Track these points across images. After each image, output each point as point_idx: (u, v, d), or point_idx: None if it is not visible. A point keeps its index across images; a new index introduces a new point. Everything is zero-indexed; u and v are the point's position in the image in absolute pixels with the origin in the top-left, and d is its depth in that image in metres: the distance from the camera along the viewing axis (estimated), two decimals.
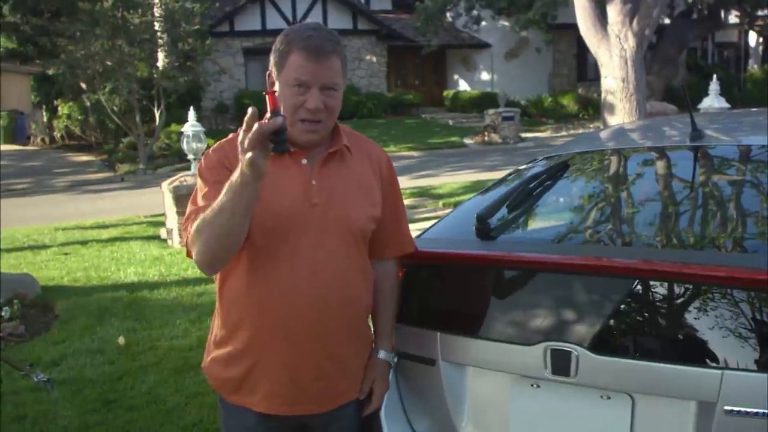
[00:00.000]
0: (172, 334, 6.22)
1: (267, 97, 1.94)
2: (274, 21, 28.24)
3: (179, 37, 22.33)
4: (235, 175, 1.99)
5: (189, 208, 2.23)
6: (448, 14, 29.07)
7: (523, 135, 25.20)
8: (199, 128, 10.83)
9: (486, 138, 24.46)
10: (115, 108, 21.62)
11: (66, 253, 10.33)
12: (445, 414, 2.37)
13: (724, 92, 11.56)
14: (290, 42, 2.19)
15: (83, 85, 22.09)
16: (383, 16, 30.53)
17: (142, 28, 21.30)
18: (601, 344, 2.07)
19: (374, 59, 29.68)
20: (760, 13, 32.04)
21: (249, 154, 1.91)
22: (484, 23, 28.77)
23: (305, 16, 28.51)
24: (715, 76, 12.08)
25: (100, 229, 12.44)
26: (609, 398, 2.08)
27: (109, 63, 20.85)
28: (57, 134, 26.90)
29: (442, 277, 2.48)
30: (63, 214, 14.15)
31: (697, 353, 1.97)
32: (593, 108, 27.59)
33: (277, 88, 2.21)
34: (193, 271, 8.57)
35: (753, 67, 34.38)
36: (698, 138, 2.76)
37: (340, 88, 2.24)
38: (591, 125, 26.35)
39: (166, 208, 10.99)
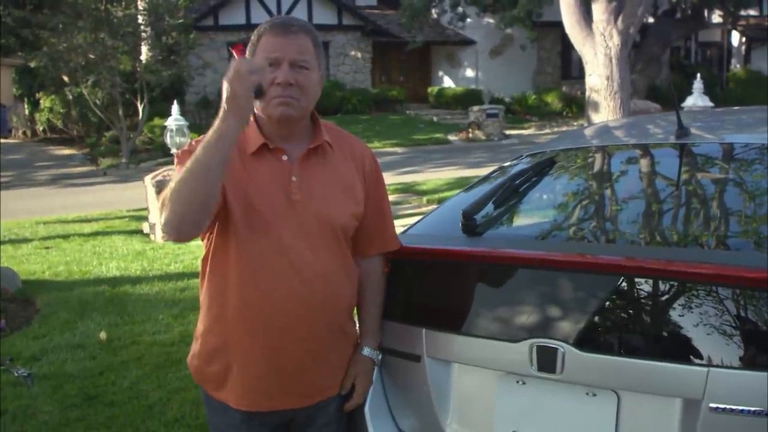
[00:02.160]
0: (154, 329, 6.18)
1: (233, 51, 2.11)
2: (258, 16, 28.12)
3: (163, 31, 22.22)
4: (211, 131, 2.04)
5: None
6: (433, 11, 29.09)
7: (508, 132, 25.25)
8: (183, 122, 10.79)
9: (470, 135, 24.49)
10: (98, 101, 21.50)
11: (47, 247, 10.25)
12: (430, 410, 2.37)
13: (707, 91, 11.61)
14: (261, 30, 2.28)
15: (65, 78, 21.94)
16: (368, 11, 30.49)
17: (125, 21, 21.17)
18: (587, 341, 2.07)
19: (359, 55, 29.63)
20: (742, 13, 32.26)
21: (227, 86, 2.03)
22: (469, 20, 28.77)
23: (290, 10, 28.40)
24: (699, 75, 12.14)
25: (82, 223, 12.35)
26: (594, 395, 2.08)
27: (91, 56, 20.70)
28: (39, 127, 26.69)
29: (427, 273, 2.47)
30: (45, 208, 14.05)
31: (682, 350, 1.97)
32: (577, 106, 27.68)
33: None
34: (176, 266, 8.53)
35: (735, 66, 34.57)
36: (684, 135, 2.77)
37: (313, 68, 2.25)
38: (575, 123, 26.43)
39: (148, 203, 10.93)
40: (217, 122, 2.04)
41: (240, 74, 2.03)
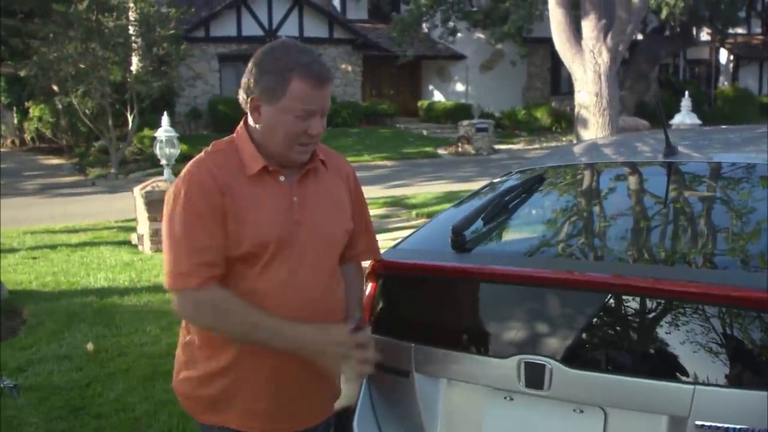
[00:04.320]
0: (141, 341, 6.16)
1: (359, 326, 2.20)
2: (249, 28, 28.18)
3: (154, 42, 22.18)
4: (293, 336, 2.13)
5: (184, 234, 2.14)
6: (424, 25, 29.22)
7: (497, 147, 25.32)
8: (173, 133, 10.77)
9: (460, 149, 24.55)
10: (87, 111, 21.43)
11: (35, 258, 10.21)
12: (418, 426, 2.37)
13: (695, 109, 11.68)
14: (290, 68, 2.13)
15: (55, 88, 21.86)
16: (359, 25, 30.58)
17: (116, 31, 21.13)
18: (574, 358, 2.09)
19: (350, 68, 29.70)
20: (731, 31, 32.53)
21: (331, 349, 2.14)
22: (459, 35, 28.92)
23: (281, 23, 28.47)
24: (687, 92, 12.21)
25: (70, 234, 12.30)
26: (582, 412, 2.09)
27: (82, 66, 20.65)
28: (27, 136, 26.56)
29: (416, 289, 2.48)
30: (32, 218, 13.99)
31: (669, 368, 1.98)
32: (566, 121, 27.81)
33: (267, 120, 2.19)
34: (164, 278, 8.50)
35: (723, 84, 34.83)
36: (672, 154, 2.79)
37: None
38: (564, 138, 26.54)
39: (137, 214, 10.90)
40: (293, 338, 2.14)
41: (345, 351, 2.14)
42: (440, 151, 24.89)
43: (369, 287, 2.55)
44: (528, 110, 30.25)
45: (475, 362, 2.23)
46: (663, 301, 2.03)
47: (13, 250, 10.74)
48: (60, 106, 22.47)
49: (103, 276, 8.82)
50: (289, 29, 28.57)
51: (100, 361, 5.75)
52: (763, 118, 29.80)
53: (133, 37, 22.03)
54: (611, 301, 2.10)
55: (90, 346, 6.02)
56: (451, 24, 28.06)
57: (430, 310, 2.46)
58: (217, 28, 27.99)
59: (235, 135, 2.27)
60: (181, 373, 2.33)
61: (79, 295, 7.88)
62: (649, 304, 2.05)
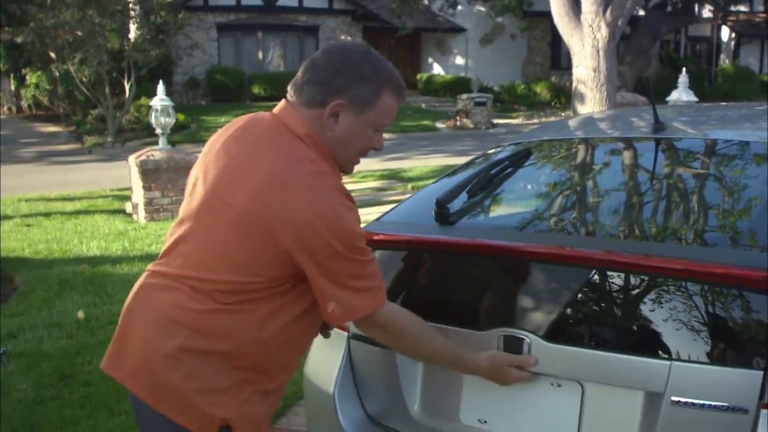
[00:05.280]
0: None
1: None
2: None
3: (152, 10, 22.03)
4: (472, 361, 2.14)
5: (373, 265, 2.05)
6: None
7: (495, 121, 25.26)
8: (168, 102, 10.70)
9: (458, 123, 24.49)
10: (84, 79, 21.32)
11: (28, 225, 10.20)
12: (398, 396, 2.38)
13: (695, 86, 11.66)
14: (385, 80, 2.05)
15: (52, 55, 21.73)
16: None
17: None
18: (553, 332, 2.09)
19: (349, 39, 29.53)
20: (732, 8, 32.36)
21: (507, 378, 2.14)
22: (460, 7, 28.76)
23: None
24: (684, 69, 12.16)
25: (64, 202, 12.29)
26: (559, 386, 2.10)
27: (79, 33, 20.51)
28: (24, 104, 26.48)
29: (397, 261, 2.47)
30: (28, 185, 13.97)
31: (646, 344, 1.99)
32: (566, 96, 27.72)
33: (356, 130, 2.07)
34: (157, 247, 8.50)
35: (724, 61, 34.71)
36: (660, 130, 2.77)
37: None
38: (563, 113, 26.47)
39: (132, 183, 10.88)
40: (469, 365, 2.16)
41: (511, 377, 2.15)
42: (438, 124, 24.82)
43: None
44: (527, 85, 30.15)
45: (454, 335, 2.23)
46: (644, 278, 2.03)
47: (7, 218, 10.73)
48: (57, 74, 22.36)
49: (96, 244, 8.81)
50: (289, 0, 28.39)
51: (90, 329, 5.76)
52: (763, 96, 29.75)
53: (130, 5, 21.88)
54: (594, 276, 2.10)
55: (80, 314, 6.03)
56: None
57: (411, 282, 2.46)
58: None
59: (307, 142, 2.03)
60: (269, 407, 2.14)
61: (71, 263, 7.89)
62: (629, 280, 2.05)
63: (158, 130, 10.81)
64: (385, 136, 15.38)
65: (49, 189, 13.62)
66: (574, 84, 12.51)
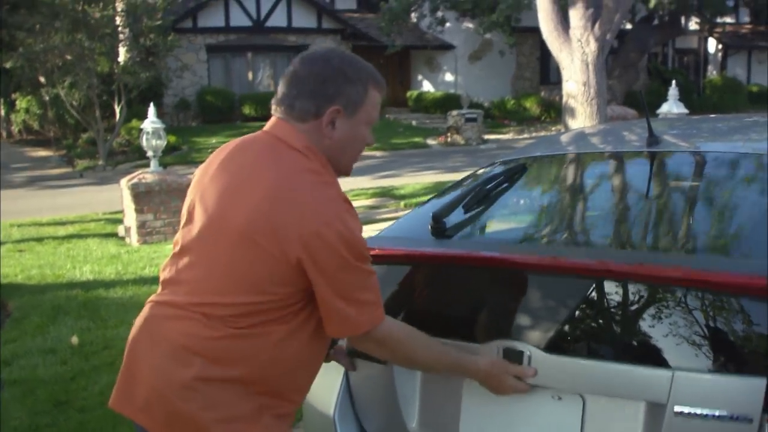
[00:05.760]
0: (127, 334, 5.96)
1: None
2: (238, 18, 28.06)
3: (141, 33, 22.06)
4: (473, 364, 2.12)
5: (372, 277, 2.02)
6: (412, 15, 29.13)
7: (486, 137, 25.32)
8: (159, 125, 10.70)
9: (449, 139, 24.54)
10: (75, 103, 21.32)
11: (21, 250, 10.15)
12: (396, 413, 2.36)
13: (683, 98, 11.70)
14: (368, 76, 2.09)
15: (42, 79, 21.74)
16: (348, 15, 30.49)
17: (103, 22, 21.00)
18: (553, 344, 2.08)
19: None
20: (719, 20, 32.60)
21: (507, 388, 2.12)
22: (448, 25, 28.88)
23: (269, 14, 28.37)
24: (674, 81, 12.22)
25: (56, 226, 12.24)
26: (560, 398, 2.08)
27: (68, 57, 20.53)
28: (15, 128, 26.44)
29: (395, 276, 2.46)
30: (20, 210, 13.91)
31: (648, 354, 1.97)
32: (555, 111, 27.83)
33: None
34: (151, 270, 8.47)
35: (712, 73, 34.90)
36: (655, 143, 2.78)
37: None
38: (553, 128, 26.56)
39: (124, 206, 10.85)
40: (469, 369, 2.14)
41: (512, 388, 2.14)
42: (429, 141, 24.87)
43: None
44: (517, 100, 30.26)
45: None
46: (643, 287, 2.02)
47: None
48: (47, 98, 22.35)
49: (89, 269, 8.77)
50: (278, 20, 28.47)
51: (85, 354, 5.71)
52: (751, 107, 29.92)
53: (120, 28, 21.92)
54: (590, 287, 2.10)
55: (75, 340, 5.99)
56: (439, 14, 28.00)
57: (410, 297, 2.45)
58: (204, 19, 27.86)
59: (308, 154, 2.01)
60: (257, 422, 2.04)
61: (64, 288, 7.84)
62: (629, 290, 2.04)
63: (150, 153, 10.79)
64: (377, 153, 15.45)
65: (40, 213, 13.56)
66: (564, 99, 12.56)
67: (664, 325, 1.95)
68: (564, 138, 3.77)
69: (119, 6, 21.77)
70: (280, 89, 2.07)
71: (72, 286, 7.94)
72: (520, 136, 26.30)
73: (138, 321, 2.14)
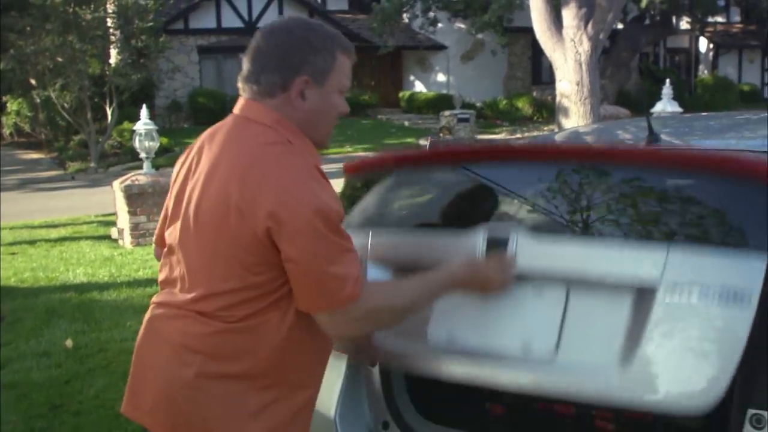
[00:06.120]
0: (121, 337, 6.09)
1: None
2: (229, 19, 28.02)
3: (132, 34, 22.02)
4: (448, 275, 2.00)
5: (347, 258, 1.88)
6: (404, 15, 29.11)
7: (479, 137, 25.34)
8: (152, 126, 10.67)
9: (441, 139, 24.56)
10: (66, 105, 21.25)
11: (13, 253, 10.10)
12: None
13: (675, 97, 11.71)
14: (334, 42, 2.00)
15: (33, 81, 21.66)
16: (340, 16, 30.44)
17: (94, 23, 20.94)
18: (541, 227, 2.04)
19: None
20: (710, 19, 32.69)
21: (498, 283, 2.01)
22: (440, 25, 28.88)
23: (261, 15, 28.32)
24: (668, 80, 12.26)
25: (49, 229, 12.19)
26: (542, 293, 2.01)
27: (59, 59, 20.46)
28: (6, 131, 26.34)
29: (378, 184, 2.51)
30: (11, 213, 13.83)
31: (640, 234, 1.92)
32: (548, 111, 27.86)
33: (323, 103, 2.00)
34: (145, 272, 8.44)
35: (703, 72, 35.01)
36: (655, 141, 2.76)
37: None
38: (545, 128, 26.58)
39: (117, 208, 10.81)
40: (450, 288, 2.03)
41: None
42: (422, 141, 24.85)
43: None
44: (509, 100, 30.28)
45: (438, 237, 2.22)
46: (635, 172, 2.00)
47: None
48: (38, 100, 22.27)
49: (83, 271, 8.73)
50: (269, 20, 28.27)
51: (80, 357, 5.68)
52: (743, 106, 30.01)
53: (111, 30, 21.87)
54: (575, 171, 2.08)
55: (69, 343, 5.95)
56: (431, 14, 28.00)
57: (393, 200, 2.50)
58: (196, 20, 27.80)
59: (278, 128, 1.94)
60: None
61: (58, 291, 7.80)
62: (618, 174, 2.02)
63: (142, 154, 10.76)
64: (369, 154, 15.37)
65: (32, 216, 13.51)
66: (557, 98, 12.58)
67: (657, 206, 1.91)
68: (560, 138, 3.76)
69: (110, 8, 21.73)
70: (245, 66, 2.01)
71: (65, 288, 7.91)
72: (513, 136, 26.32)
73: (142, 324, 2.11)
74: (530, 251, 1.99)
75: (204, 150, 2.03)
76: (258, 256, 1.86)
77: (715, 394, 1.70)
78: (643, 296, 1.83)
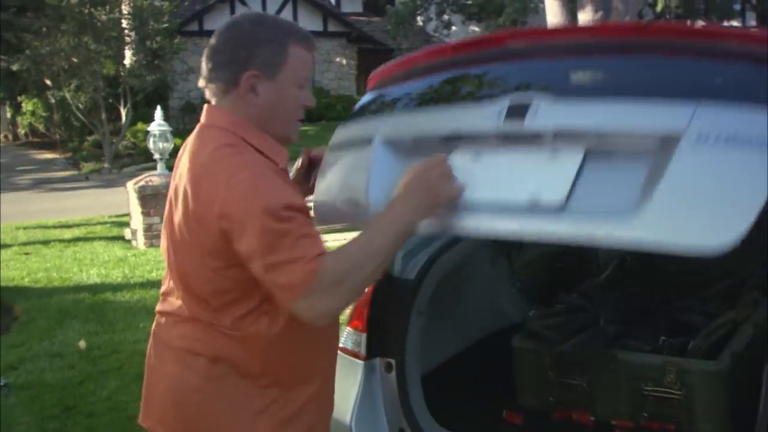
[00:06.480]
0: (134, 338, 6.09)
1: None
2: None
3: (147, 35, 22.11)
4: (407, 216, 1.85)
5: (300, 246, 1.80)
6: (419, 18, 29.12)
7: None
8: (166, 127, 10.68)
9: None
10: (81, 105, 21.37)
11: (27, 253, 10.13)
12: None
13: None
14: (286, 34, 1.96)
15: (48, 82, 21.80)
16: (354, 18, 30.49)
17: (109, 25, 21.07)
18: (564, 91, 1.93)
19: (344, 61, 29.61)
20: (726, 24, 32.58)
21: (437, 189, 1.88)
22: (454, 28, 28.85)
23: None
24: None
25: (62, 229, 12.23)
26: (557, 155, 1.89)
27: (74, 60, 20.59)
28: (21, 131, 26.53)
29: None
30: (26, 213, 13.91)
31: (664, 90, 1.83)
32: None
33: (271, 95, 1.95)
34: (158, 273, 8.44)
35: None
36: None
37: None
38: None
39: (130, 209, 10.82)
40: (404, 216, 1.85)
41: (448, 178, 1.90)
42: None
43: None
44: None
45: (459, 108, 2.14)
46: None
47: (5, 246, 10.66)
48: (53, 101, 22.40)
49: (96, 272, 8.74)
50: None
51: (93, 358, 5.68)
52: None
53: (126, 31, 21.97)
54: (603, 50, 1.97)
55: (82, 344, 5.96)
56: (445, 17, 27.99)
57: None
58: (210, 22, 27.84)
59: (233, 129, 1.94)
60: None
61: (71, 292, 7.82)
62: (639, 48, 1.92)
63: (156, 155, 10.77)
64: None
65: (46, 216, 13.56)
66: None
67: (685, 71, 1.83)
68: None
69: (125, 9, 21.82)
70: (203, 66, 2.02)
71: (79, 289, 7.92)
72: None
73: (150, 336, 2.14)
74: (552, 114, 1.88)
75: (180, 162, 2.04)
76: (223, 259, 1.86)
77: (734, 235, 1.61)
78: (664, 146, 1.72)
